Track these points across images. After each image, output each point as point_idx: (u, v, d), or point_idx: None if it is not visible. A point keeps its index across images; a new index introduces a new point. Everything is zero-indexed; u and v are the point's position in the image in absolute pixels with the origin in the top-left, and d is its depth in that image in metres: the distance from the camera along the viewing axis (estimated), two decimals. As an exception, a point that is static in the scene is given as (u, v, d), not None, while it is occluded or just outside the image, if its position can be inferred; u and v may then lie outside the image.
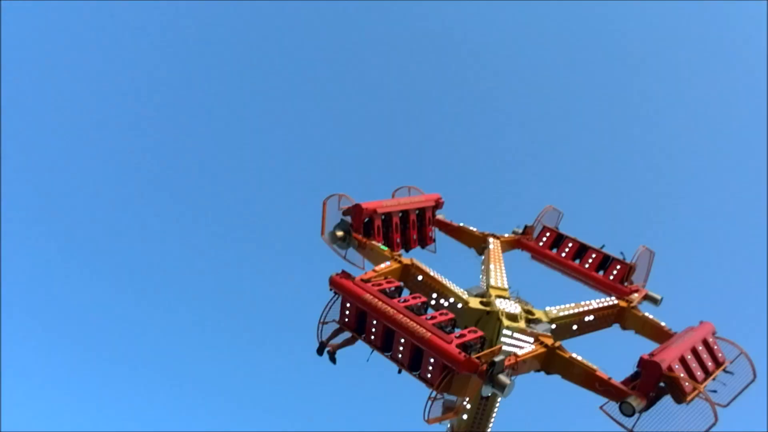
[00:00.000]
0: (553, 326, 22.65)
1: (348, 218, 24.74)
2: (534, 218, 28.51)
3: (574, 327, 23.45)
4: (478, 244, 27.54)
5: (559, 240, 27.42)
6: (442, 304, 22.62)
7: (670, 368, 18.18)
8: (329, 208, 25.13)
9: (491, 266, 25.66)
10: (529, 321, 22.78)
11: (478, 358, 17.63)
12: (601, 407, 18.60)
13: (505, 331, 21.75)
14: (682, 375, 18.31)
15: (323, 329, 19.56)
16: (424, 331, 17.49)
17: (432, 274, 22.82)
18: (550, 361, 19.37)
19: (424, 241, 27.57)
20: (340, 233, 24.33)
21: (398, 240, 26.22)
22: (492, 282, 24.88)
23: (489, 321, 22.67)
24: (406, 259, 22.87)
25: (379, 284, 19.87)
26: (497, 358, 17.38)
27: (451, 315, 18.98)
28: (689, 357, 19.26)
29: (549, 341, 19.60)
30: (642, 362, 18.31)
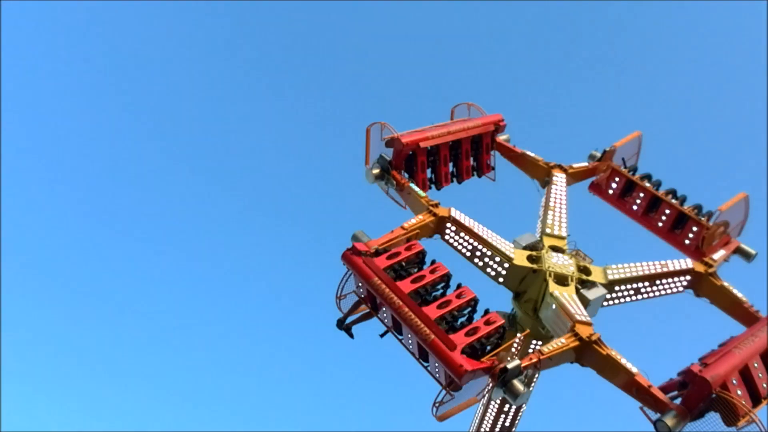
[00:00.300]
0: (610, 296, 19.97)
1: (388, 155, 22.18)
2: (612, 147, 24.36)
3: (637, 292, 20.55)
4: (542, 176, 24.18)
5: (630, 187, 23.39)
6: (483, 260, 20.41)
7: (723, 386, 15.34)
8: (373, 136, 22.65)
9: (550, 209, 22.60)
10: (582, 283, 20.17)
11: (495, 355, 15.76)
12: (641, 408, 16.39)
13: (546, 299, 19.38)
14: (738, 393, 15.44)
15: (341, 303, 18.15)
16: (428, 332, 15.55)
17: (470, 226, 20.31)
18: (585, 354, 17.00)
19: (481, 169, 24.58)
20: (376, 171, 21.96)
21: (448, 172, 23.49)
22: (548, 229, 22.03)
23: (535, 280, 20.30)
24: (442, 210, 20.38)
25: (397, 254, 17.81)
26: (510, 364, 15.34)
27: (470, 296, 16.76)
28: (756, 365, 16.14)
29: (586, 331, 17.06)
30: (690, 375, 15.56)
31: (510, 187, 25.54)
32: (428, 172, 23.13)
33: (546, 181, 23.80)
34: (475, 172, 24.45)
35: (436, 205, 20.54)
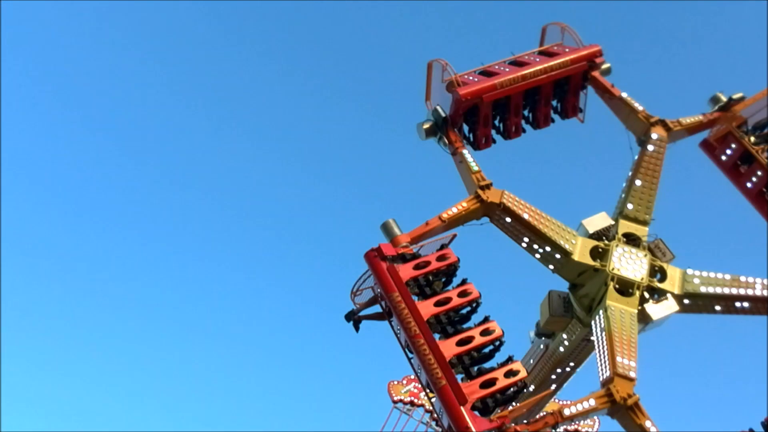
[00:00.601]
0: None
1: (447, 105, 18.77)
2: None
3: (717, 307, 17.42)
4: (640, 131, 19.63)
5: (748, 159, 18.51)
6: (537, 250, 17.78)
7: None
8: (435, 76, 19.29)
9: (636, 182, 18.70)
10: (651, 291, 17.29)
11: (510, 411, 14.29)
12: None
13: (602, 306, 16.69)
14: None
15: (356, 299, 16.82)
16: (440, 375, 14.07)
17: (524, 216, 17.38)
18: (616, 414, 14.93)
19: (566, 112, 20.40)
20: (427, 126, 18.84)
21: (520, 123, 19.73)
22: (629, 207, 18.49)
23: (595, 278, 17.65)
24: (493, 194, 17.43)
25: (426, 264, 15.79)
26: None
27: (496, 335, 14.81)
28: None
29: (624, 390, 14.72)
30: None
31: (601, 132, 21.33)
32: (496, 120, 19.59)
33: (642, 140, 19.43)
34: (559, 115, 20.41)
35: (488, 186, 17.58)
